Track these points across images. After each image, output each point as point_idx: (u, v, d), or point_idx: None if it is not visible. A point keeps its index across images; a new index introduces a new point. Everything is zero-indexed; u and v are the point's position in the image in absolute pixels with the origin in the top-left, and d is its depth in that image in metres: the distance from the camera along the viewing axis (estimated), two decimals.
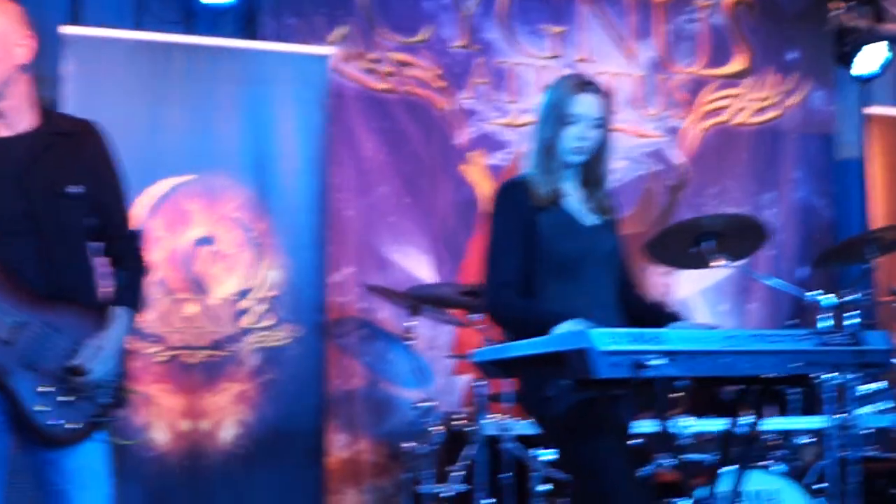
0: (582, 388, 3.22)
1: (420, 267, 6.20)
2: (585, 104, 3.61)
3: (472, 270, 6.23)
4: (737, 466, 3.67)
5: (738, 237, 5.08)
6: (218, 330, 5.34)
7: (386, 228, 6.16)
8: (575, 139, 3.62)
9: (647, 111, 6.83)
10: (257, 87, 5.49)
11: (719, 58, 7.05)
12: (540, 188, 3.63)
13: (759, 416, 3.65)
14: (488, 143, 6.43)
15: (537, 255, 3.61)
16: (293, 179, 5.49)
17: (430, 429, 5.38)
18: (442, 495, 5.38)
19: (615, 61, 6.78)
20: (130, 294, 3.33)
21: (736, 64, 7.10)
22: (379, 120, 6.19)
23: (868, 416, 5.20)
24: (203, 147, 5.36)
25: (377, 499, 6.00)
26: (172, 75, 5.33)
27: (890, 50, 7.09)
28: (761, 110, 7.13)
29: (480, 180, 6.38)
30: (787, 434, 5.24)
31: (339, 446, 5.99)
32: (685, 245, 5.02)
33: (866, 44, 7.11)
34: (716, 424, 5.02)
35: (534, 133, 3.70)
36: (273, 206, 5.46)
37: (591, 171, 3.73)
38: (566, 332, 3.08)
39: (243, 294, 5.40)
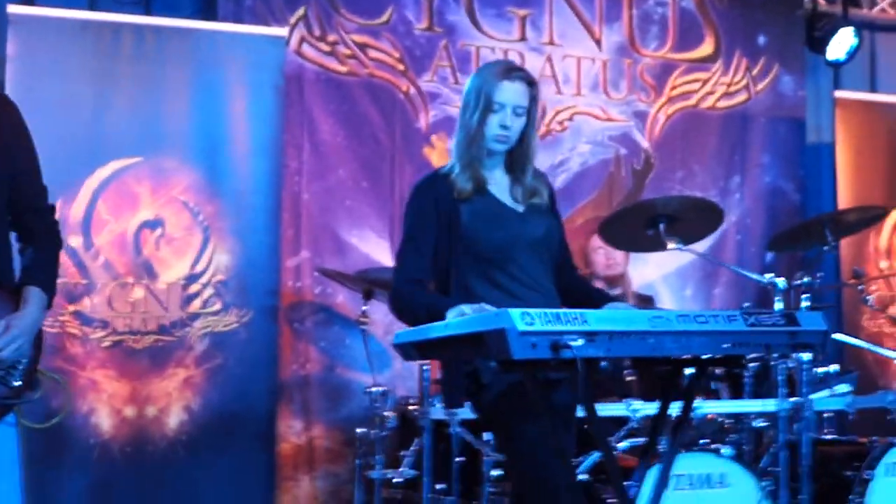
0: (514, 372, 3.17)
1: (379, 251, 6.12)
2: (509, 92, 3.55)
3: None
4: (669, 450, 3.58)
5: (693, 220, 5.01)
6: (165, 315, 5.26)
7: (344, 212, 6.08)
8: (498, 127, 3.56)
9: (612, 95, 6.74)
10: (208, 69, 5.40)
11: (687, 42, 6.97)
12: (462, 178, 3.57)
13: (692, 398, 3.57)
14: (451, 126, 6.30)
15: (461, 247, 3.55)
16: (245, 162, 5.41)
17: (384, 414, 5.32)
18: (394, 480, 5.33)
19: (581, 45, 6.69)
20: (42, 273, 3.23)
21: (704, 48, 7.01)
22: (338, 103, 6.10)
23: (823, 399, 5.13)
24: (151, 129, 5.26)
25: (331, 485, 5.93)
26: (120, 56, 5.24)
27: (856, 36, 7.01)
28: (729, 94, 7.05)
29: (441, 163, 6.28)
30: (739, 417, 5.18)
31: (294, 432, 5.92)
32: (640, 227, 4.95)
33: (839, 29, 7.03)
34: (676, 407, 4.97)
35: (458, 121, 3.65)
36: (223, 189, 5.38)
37: (517, 159, 3.66)
38: (487, 313, 3.01)
39: (192, 278, 5.31)
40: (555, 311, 3.00)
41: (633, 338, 3.11)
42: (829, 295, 6.94)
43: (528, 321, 2.93)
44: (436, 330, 3.13)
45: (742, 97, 7.08)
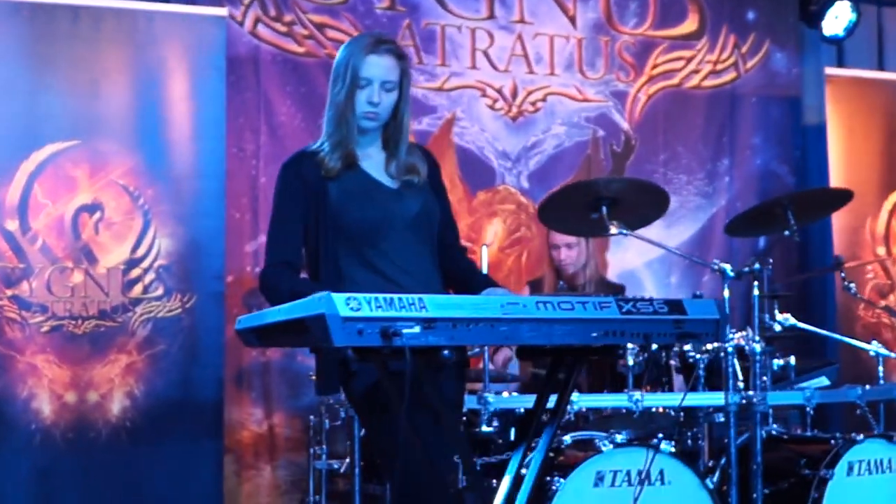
0: (371, 361, 3.04)
1: None
2: (377, 66, 3.43)
3: None
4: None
5: (637, 204, 4.82)
6: (106, 299, 5.19)
7: None
8: (366, 103, 3.43)
9: (589, 75, 6.56)
10: (147, 50, 5.31)
11: (669, 18, 6.75)
12: (332, 157, 3.45)
13: (569, 390, 3.41)
14: (416, 107, 6.19)
15: (331, 227, 3.43)
16: (186, 145, 5.32)
17: (333, 404, 5.21)
18: (343, 471, 5.22)
19: (554, 22, 6.51)
20: None
21: (687, 25, 6.80)
22: (296, 84, 5.98)
23: (779, 394, 4.92)
24: (88, 112, 5.19)
25: (292, 474, 5.83)
26: (57, 38, 5.16)
27: (854, 11, 6.75)
28: (716, 73, 6.83)
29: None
30: (686, 411, 4.99)
31: (255, 420, 5.83)
32: (582, 210, 4.77)
33: (835, 3, 6.78)
34: (611, 400, 4.82)
35: (328, 97, 3.53)
36: (164, 172, 5.29)
37: (391, 135, 3.53)
38: (312, 298, 2.87)
39: (132, 263, 5.23)
40: (389, 295, 2.86)
41: (481, 325, 2.96)
42: (815, 283, 6.74)
43: (354, 306, 2.79)
44: (269, 315, 3.01)
45: (730, 76, 6.86)
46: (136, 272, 5.24)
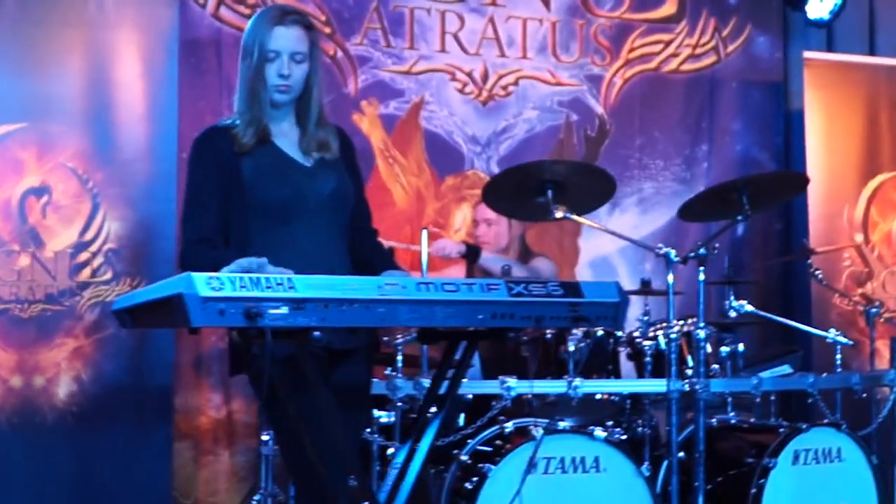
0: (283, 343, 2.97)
1: None
2: (284, 38, 3.39)
3: None
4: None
5: (583, 188, 4.73)
6: (53, 283, 5.14)
7: None
8: (276, 76, 3.38)
9: (562, 58, 6.45)
10: (97, 32, 5.24)
11: (648, 1, 6.63)
12: (243, 131, 3.39)
13: (460, 374, 3.33)
14: (383, 91, 6.13)
15: (243, 203, 3.37)
16: (136, 128, 5.25)
17: None
18: None
19: (527, 5, 6.41)
20: None
21: (666, 8, 6.68)
22: None
23: (725, 381, 4.82)
24: (36, 94, 5.13)
25: (250, 460, 5.76)
26: (4, 19, 5.10)
27: None
28: (696, 57, 6.72)
29: (372, 130, 6.10)
30: (628, 398, 4.90)
31: (213, 406, 5.78)
32: (527, 193, 4.69)
33: None
34: (548, 386, 4.73)
35: (239, 73, 3.47)
36: (113, 155, 5.22)
37: (302, 108, 3.47)
38: (173, 278, 2.80)
39: (80, 247, 5.18)
40: (256, 275, 2.80)
41: (356, 306, 2.89)
42: (792, 271, 6.61)
43: (216, 286, 2.74)
44: (139, 296, 2.95)
45: (710, 60, 6.74)
46: (84, 256, 5.19)
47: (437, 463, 4.79)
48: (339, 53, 6.05)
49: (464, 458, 4.61)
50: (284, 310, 2.81)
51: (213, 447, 5.78)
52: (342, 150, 3.56)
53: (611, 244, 6.41)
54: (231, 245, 3.36)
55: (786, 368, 5.33)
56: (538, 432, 4.40)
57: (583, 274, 6.37)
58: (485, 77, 6.29)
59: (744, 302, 5.19)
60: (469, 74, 6.28)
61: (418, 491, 4.82)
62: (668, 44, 6.65)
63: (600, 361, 4.90)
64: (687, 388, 4.56)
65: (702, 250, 4.65)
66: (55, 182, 5.16)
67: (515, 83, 6.36)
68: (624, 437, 4.91)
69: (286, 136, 3.47)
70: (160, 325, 2.90)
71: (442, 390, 3.34)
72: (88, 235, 5.19)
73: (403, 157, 6.15)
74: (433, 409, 3.34)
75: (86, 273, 5.18)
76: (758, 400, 5.09)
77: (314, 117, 3.46)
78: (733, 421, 5.09)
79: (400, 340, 4.62)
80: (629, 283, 5.73)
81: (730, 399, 5.14)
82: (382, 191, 6.11)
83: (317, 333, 2.88)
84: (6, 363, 5.07)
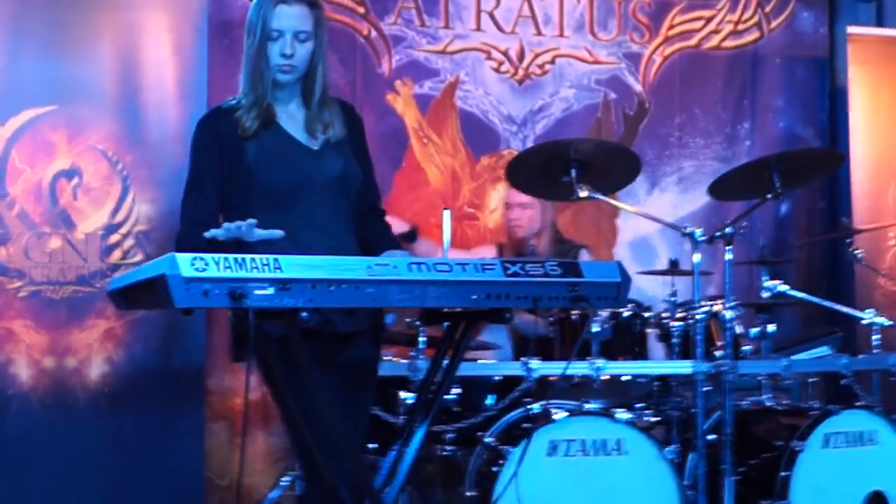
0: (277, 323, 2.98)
1: None
2: (287, 17, 3.37)
3: (399, 204, 5.94)
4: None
5: (608, 167, 4.68)
6: (84, 265, 5.17)
7: None
8: (279, 56, 3.36)
9: (600, 36, 6.37)
10: (125, 13, 5.24)
11: None
12: (249, 116, 3.38)
13: (459, 355, 3.31)
14: (417, 70, 6.10)
15: (247, 187, 3.37)
16: (166, 109, 5.26)
17: None
18: None
19: None
20: None
21: None
22: None
23: (748, 362, 4.74)
24: (66, 77, 5.15)
25: (285, 441, 5.75)
26: (33, 3, 5.14)
27: None
28: (738, 33, 6.60)
29: (406, 110, 6.07)
30: (656, 379, 4.84)
31: (253, 387, 5.77)
32: (551, 172, 4.64)
33: None
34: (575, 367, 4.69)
35: (243, 53, 3.45)
36: (143, 137, 5.23)
37: (307, 88, 3.44)
38: (158, 259, 2.80)
39: (111, 228, 5.20)
40: (243, 256, 2.79)
41: (344, 287, 2.88)
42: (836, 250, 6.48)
43: (200, 266, 2.74)
44: (130, 277, 2.96)
45: (753, 36, 6.62)
46: (114, 238, 5.21)
47: (465, 445, 4.78)
48: (373, 33, 6.03)
49: (488, 440, 4.59)
50: (270, 290, 2.81)
51: (249, 428, 5.79)
52: (350, 129, 3.53)
53: (650, 224, 6.31)
54: None
55: (825, 350, 5.25)
56: (559, 415, 4.37)
57: (620, 254, 6.29)
58: (521, 56, 6.24)
59: (778, 282, 5.10)
60: (505, 53, 6.23)
61: (442, 471, 4.85)
62: (708, 20, 6.55)
63: (627, 343, 4.85)
64: (714, 369, 4.51)
65: (728, 229, 4.58)
66: (85, 164, 5.19)
67: (552, 62, 6.30)
68: (655, 419, 4.88)
69: (293, 118, 3.46)
70: (149, 306, 2.89)
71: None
72: (119, 217, 5.22)
73: (438, 137, 6.12)
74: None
75: (116, 255, 5.21)
76: (788, 382, 5.03)
77: (318, 97, 3.44)
78: (768, 403, 5.01)
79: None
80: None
81: (765, 381, 5.06)
82: (417, 171, 6.09)
83: (304, 314, 2.86)
84: (38, 345, 5.11)
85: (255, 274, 2.78)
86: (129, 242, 5.23)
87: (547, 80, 6.29)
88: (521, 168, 4.73)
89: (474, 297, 3.03)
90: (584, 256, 5.74)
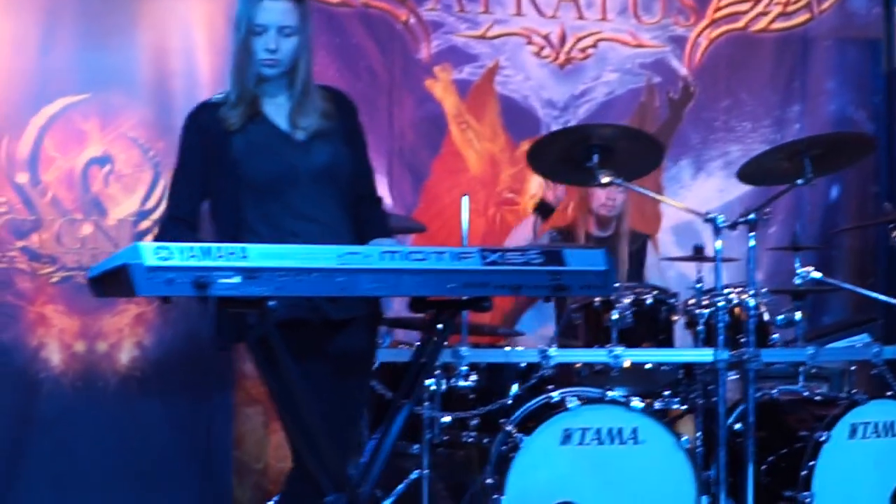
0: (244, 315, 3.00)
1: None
2: (272, 12, 3.36)
3: (437, 190, 5.93)
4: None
5: (630, 153, 4.61)
6: (115, 251, 5.17)
7: None
8: (264, 51, 3.36)
9: (644, 19, 6.28)
10: (156, 2, 5.30)
11: None
12: (235, 112, 3.39)
13: (438, 344, 3.27)
14: (456, 56, 6.06)
15: (234, 178, 3.38)
16: (196, 97, 5.17)
17: None
18: None
19: None
20: None
21: None
22: (330, 36, 5.85)
23: (772, 350, 4.64)
24: (98, 65, 5.21)
25: None
26: None
27: None
28: (786, 15, 6.45)
29: (445, 96, 6.03)
30: (681, 367, 4.76)
31: None
32: (572, 157, 4.58)
33: None
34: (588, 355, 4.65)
35: (230, 47, 3.46)
36: (174, 124, 5.14)
37: (294, 81, 3.43)
38: (125, 248, 2.82)
39: (142, 215, 5.27)
40: (207, 244, 2.80)
41: (314, 276, 2.88)
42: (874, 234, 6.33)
43: (164, 255, 2.75)
44: (103, 265, 2.99)
45: (802, 17, 6.47)
46: (145, 224, 5.27)
47: (489, 431, 4.76)
48: (412, 19, 5.99)
49: (509, 427, 4.55)
50: (237, 279, 2.81)
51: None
52: (342, 116, 3.52)
53: (698, 208, 6.21)
54: (222, 219, 3.38)
55: (864, 338, 5.13)
56: (573, 403, 4.32)
57: (664, 239, 6.21)
58: (562, 40, 6.17)
59: (810, 268, 4.98)
60: (546, 38, 6.16)
61: (468, 458, 4.83)
62: (756, 2, 6.41)
63: (652, 330, 4.78)
64: (735, 358, 4.42)
65: (751, 216, 4.49)
66: (117, 152, 5.25)
67: (594, 45, 6.22)
68: (684, 407, 4.81)
69: (280, 110, 3.46)
70: (118, 294, 2.91)
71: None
72: (150, 204, 5.27)
73: (477, 123, 6.07)
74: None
75: (147, 241, 5.24)
76: (828, 371, 4.92)
77: (301, 90, 3.43)
78: (805, 393, 4.91)
79: None
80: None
81: (802, 370, 4.96)
82: (456, 157, 6.05)
83: (271, 303, 2.86)
84: (70, 329, 5.19)
85: (220, 263, 2.79)
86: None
87: (589, 65, 6.21)
88: (542, 153, 4.67)
89: (451, 285, 3.01)
90: (649, 247, 5.72)
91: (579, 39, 6.20)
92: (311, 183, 3.40)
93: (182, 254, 2.75)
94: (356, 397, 3.50)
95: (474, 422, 4.82)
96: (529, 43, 6.14)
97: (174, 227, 3.36)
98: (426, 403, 4.59)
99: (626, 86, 6.26)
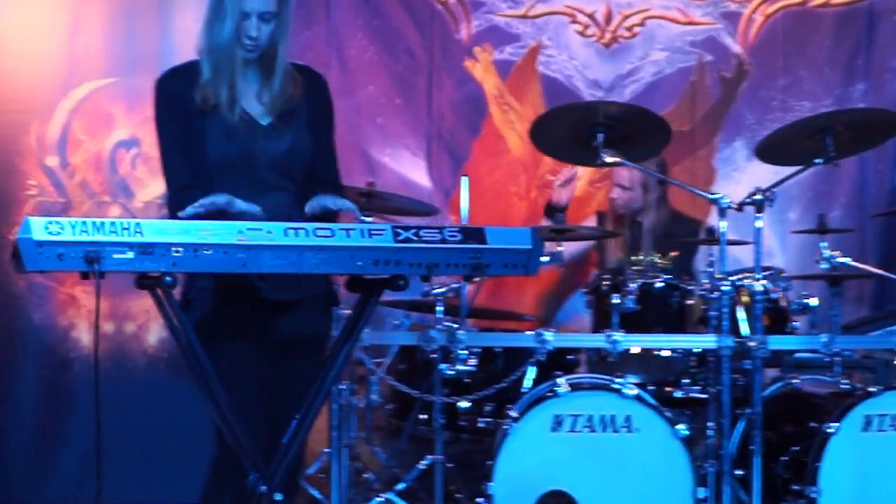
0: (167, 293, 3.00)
1: (415, 170, 5.89)
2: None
3: (477, 173, 5.84)
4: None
5: (637, 133, 4.48)
6: None
7: (375, 130, 5.88)
8: (244, 36, 3.34)
9: None
10: None
11: None
12: (216, 91, 3.37)
13: (357, 324, 3.21)
14: (497, 36, 5.97)
15: (204, 153, 3.36)
16: None
17: None
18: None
19: None
20: None
21: None
22: (368, 17, 5.85)
23: (778, 337, 4.44)
24: (125, 50, 5.30)
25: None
26: None
27: None
28: None
29: (486, 76, 5.95)
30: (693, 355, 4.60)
31: None
32: (576, 135, 4.47)
33: None
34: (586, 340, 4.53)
35: (204, 30, 3.43)
36: None
37: (266, 64, 3.41)
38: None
39: None
40: (101, 219, 2.80)
41: (212, 252, 2.85)
42: None
43: (55, 230, 2.76)
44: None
45: None
46: None
47: (495, 416, 4.69)
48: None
49: (514, 413, 4.46)
50: (130, 254, 2.80)
51: None
52: (311, 97, 3.46)
53: (744, 190, 6.00)
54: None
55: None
56: (563, 389, 4.22)
57: (715, 222, 6.00)
58: (608, 18, 6.03)
59: (837, 252, 4.76)
60: (591, 16, 6.03)
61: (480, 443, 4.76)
62: None
63: (664, 315, 4.63)
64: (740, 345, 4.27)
65: (758, 197, 4.32)
66: (144, 135, 5.31)
67: (642, 24, 6.05)
68: (703, 396, 4.66)
69: (249, 93, 3.42)
70: (18, 269, 2.91)
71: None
72: None
73: (519, 104, 5.98)
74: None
75: None
76: (868, 361, 4.73)
77: (277, 74, 3.39)
78: (828, 381, 4.70)
79: (440, 291, 4.53)
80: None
81: (837, 360, 4.73)
82: (497, 138, 5.97)
83: (168, 279, 2.85)
84: (99, 309, 5.25)
85: (113, 238, 2.78)
86: None
87: (636, 43, 6.05)
88: (545, 129, 4.56)
89: (359, 263, 2.94)
90: (703, 234, 5.56)
91: (626, 17, 6.05)
92: (266, 170, 3.37)
93: (73, 228, 2.74)
94: (299, 380, 3.43)
95: (487, 407, 4.76)
96: (574, 22, 6.02)
97: (191, 196, 3.26)
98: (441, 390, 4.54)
99: (675, 65, 6.08)
